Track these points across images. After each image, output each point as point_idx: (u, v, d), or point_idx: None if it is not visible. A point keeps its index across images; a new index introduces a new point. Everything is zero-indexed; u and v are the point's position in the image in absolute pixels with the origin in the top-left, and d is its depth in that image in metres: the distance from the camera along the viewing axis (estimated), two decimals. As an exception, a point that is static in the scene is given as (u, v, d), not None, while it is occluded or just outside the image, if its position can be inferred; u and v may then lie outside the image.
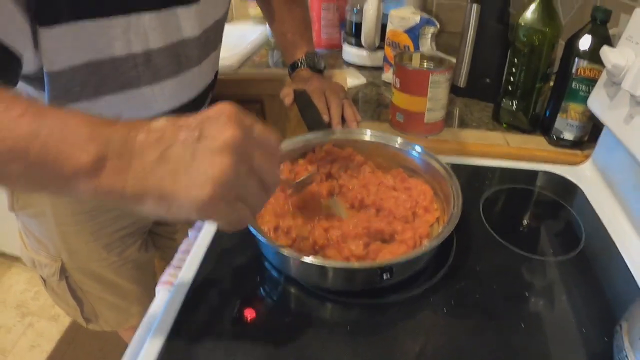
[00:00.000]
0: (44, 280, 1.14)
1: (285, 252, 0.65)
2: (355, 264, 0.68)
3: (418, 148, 0.84)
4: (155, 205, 0.47)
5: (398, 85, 1.03)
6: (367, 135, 0.88)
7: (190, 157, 0.46)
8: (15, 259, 2.38)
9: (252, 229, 0.67)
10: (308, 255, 0.65)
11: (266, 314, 0.66)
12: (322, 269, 0.66)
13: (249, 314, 0.64)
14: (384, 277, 0.65)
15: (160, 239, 1.26)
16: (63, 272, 1.07)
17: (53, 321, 2.11)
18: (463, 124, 1.14)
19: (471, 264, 0.74)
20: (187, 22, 0.84)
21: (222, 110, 0.49)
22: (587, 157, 1.01)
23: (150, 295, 1.23)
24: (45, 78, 0.72)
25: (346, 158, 0.87)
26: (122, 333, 1.37)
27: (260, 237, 0.66)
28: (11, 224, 2.01)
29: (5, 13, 0.60)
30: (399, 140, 0.86)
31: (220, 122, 0.47)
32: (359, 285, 0.69)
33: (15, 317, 2.13)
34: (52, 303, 2.10)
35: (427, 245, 0.67)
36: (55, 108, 0.48)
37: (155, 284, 1.26)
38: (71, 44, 0.70)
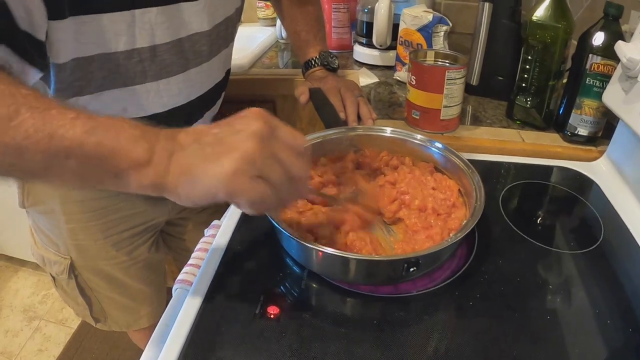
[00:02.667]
0: (54, 278, 1.13)
1: (309, 244, 0.65)
2: (380, 257, 0.68)
3: (438, 144, 0.84)
4: (186, 188, 0.53)
5: (414, 83, 1.03)
6: (387, 131, 0.88)
7: (219, 143, 0.52)
8: (22, 262, 2.38)
9: (273, 221, 0.67)
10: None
11: (289, 310, 0.65)
12: (345, 261, 0.66)
13: (272, 310, 0.64)
14: (410, 270, 0.65)
15: (171, 240, 1.26)
16: (72, 270, 1.07)
17: (60, 325, 2.11)
18: (477, 122, 1.14)
19: (494, 258, 0.74)
20: (195, 17, 0.84)
21: (252, 111, 0.55)
22: (601, 152, 1.01)
23: (160, 297, 1.24)
24: (52, 70, 0.72)
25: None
26: (131, 334, 1.36)
27: (282, 229, 0.66)
28: (18, 228, 2.04)
29: (31, 2, 0.61)
30: (419, 136, 0.86)
31: (249, 117, 0.54)
32: (383, 279, 0.69)
33: (22, 321, 2.13)
34: (60, 307, 2.13)
35: (452, 237, 0.67)
36: (102, 115, 0.53)
37: (165, 286, 1.26)
38: (76, 37, 0.70)
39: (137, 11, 0.74)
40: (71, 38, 0.70)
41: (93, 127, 0.51)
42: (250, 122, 0.53)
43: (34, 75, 0.66)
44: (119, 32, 0.74)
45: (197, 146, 0.53)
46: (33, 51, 0.64)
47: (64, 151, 0.51)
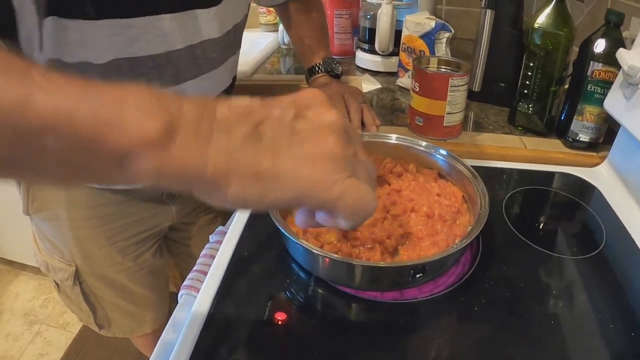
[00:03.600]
0: (57, 285, 1.13)
1: (315, 250, 0.66)
2: (386, 263, 0.69)
3: (443, 151, 0.85)
4: (244, 187, 0.38)
5: (417, 89, 1.04)
6: (392, 138, 0.89)
7: (290, 134, 0.39)
8: (23, 266, 2.38)
9: (279, 227, 0.68)
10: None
11: (296, 316, 0.66)
12: (351, 268, 0.67)
13: (280, 316, 0.64)
14: (417, 276, 0.65)
15: (175, 245, 1.27)
16: (77, 277, 1.07)
17: (61, 329, 2.11)
18: (479, 128, 1.15)
19: (498, 263, 0.75)
20: (207, 24, 0.85)
21: (315, 95, 0.43)
22: (602, 158, 1.02)
23: (163, 302, 1.24)
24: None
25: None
26: (134, 340, 1.36)
27: (288, 235, 0.67)
28: (19, 232, 2.04)
29: None
30: (424, 143, 0.87)
31: (318, 104, 0.42)
32: (389, 285, 0.70)
33: (23, 325, 2.13)
34: (61, 311, 2.13)
35: (457, 243, 0.68)
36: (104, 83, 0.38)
37: (169, 291, 1.26)
38: (93, 42, 0.70)
39: (152, 17, 0.75)
40: (87, 40, 0.70)
41: (86, 92, 0.35)
42: (322, 110, 0.42)
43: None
44: (134, 37, 0.75)
45: (252, 131, 0.38)
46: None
47: (41, 126, 0.33)
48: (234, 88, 1.08)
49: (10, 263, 2.40)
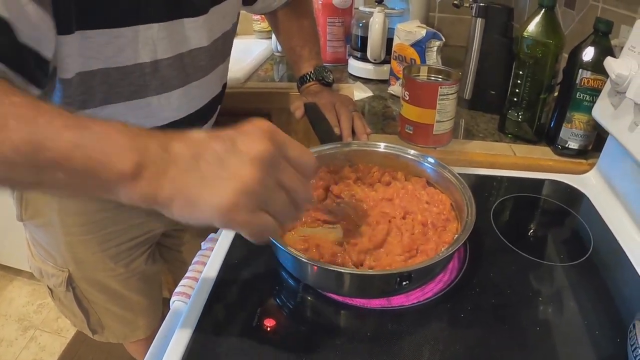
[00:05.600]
0: (51, 291, 1.14)
1: (303, 258, 0.67)
2: (373, 271, 0.69)
3: (431, 159, 0.86)
4: (181, 209, 0.49)
5: (407, 98, 1.05)
6: (381, 147, 0.90)
7: (219, 165, 0.48)
8: (17, 272, 2.38)
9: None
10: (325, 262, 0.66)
11: (285, 324, 0.66)
12: (339, 276, 0.67)
13: (269, 322, 0.65)
14: (403, 283, 0.66)
15: (167, 252, 1.27)
16: (70, 283, 1.07)
17: (55, 335, 2.10)
18: (469, 136, 1.16)
19: (485, 270, 0.75)
20: (195, 33, 0.86)
21: (258, 126, 0.50)
22: (591, 165, 1.03)
23: (156, 308, 1.24)
24: (58, 85, 0.73)
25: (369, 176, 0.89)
26: (127, 346, 1.36)
27: (278, 243, 0.67)
28: (13, 237, 2.04)
29: (35, 17, 0.61)
30: (412, 151, 0.88)
31: (254, 136, 0.49)
32: (376, 293, 0.70)
33: (17, 331, 2.13)
34: (55, 317, 2.13)
35: (443, 251, 0.68)
36: (95, 119, 0.50)
37: (162, 297, 1.26)
38: (80, 52, 0.71)
39: (141, 27, 0.76)
40: (76, 53, 0.70)
41: (80, 138, 0.48)
42: (254, 141, 0.48)
43: (32, 92, 0.65)
44: (122, 47, 0.75)
45: (194, 164, 0.48)
46: (36, 68, 0.64)
47: (52, 164, 0.48)
48: (225, 95, 1.09)
49: (4, 268, 2.40)
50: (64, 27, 0.66)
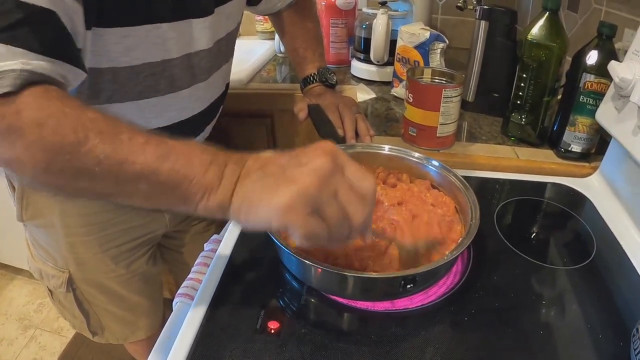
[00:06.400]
0: (51, 292, 1.13)
1: (307, 261, 0.66)
2: (377, 274, 0.69)
3: (435, 162, 0.86)
4: (246, 213, 0.53)
5: (411, 100, 1.05)
6: (385, 149, 0.90)
7: (281, 174, 0.52)
8: (18, 271, 2.38)
9: (273, 238, 0.68)
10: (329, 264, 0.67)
11: (289, 326, 0.66)
12: (343, 278, 0.67)
13: (273, 325, 0.65)
14: (407, 286, 0.66)
15: (168, 253, 1.27)
16: (70, 284, 1.07)
17: (56, 334, 2.10)
18: (472, 138, 1.16)
19: (488, 273, 0.75)
20: (201, 33, 0.86)
21: (322, 146, 0.55)
22: (594, 169, 1.03)
23: (157, 309, 1.24)
24: None
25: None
26: (127, 346, 1.36)
27: (282, 245, 0.68)
28: (14, 236, 2.04)
29: (72, 9, 0.62)
30: (416, 154, 0.88)
31: (317, 152, 0.53)
32: (380, 295, 0.70)
33: (17, 330, 2.13)
34: (55, 316, 2.13)
35: (448, 255, 0.68)
36: (171, 138, 0.55)
37: (162, 298, 1.26)
38: (91, 48, 0.71)
39: (150, 26, 0.76)
40: (88, 49, 0.70)
41: (165, 153, 0.53)
42: (316, 156, 0.53)
43: (82, 79, 0.66)
44: (132, 46, 0.76)
45: (261, 174, 0.53)
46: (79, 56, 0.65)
47: (135, 177, 0.52)
48: (228, 96, 1.09)
49: (5, 267, 2.39)
50: (86, 22, 0.66)
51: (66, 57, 0.60)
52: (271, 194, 0.51)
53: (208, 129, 1.03)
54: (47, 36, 0.58)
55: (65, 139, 0.51)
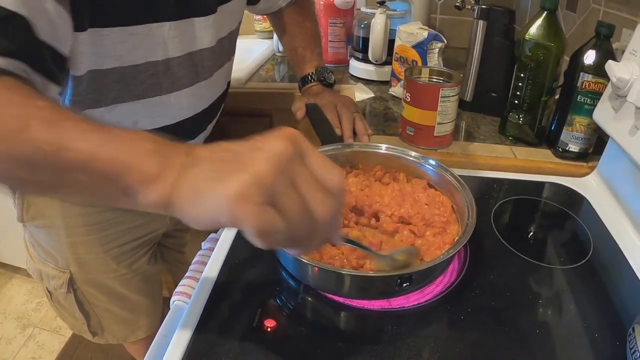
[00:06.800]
0: (50, 293, 1.13)
1: (304, 259, 0.67)
2: (373, 272, 0.70)
3: (432, 161, 0.86)
4: (190, 206, 0.45)
5: (408, 99, 1.05)
6: (382, 148, 0.90)
7: (233, 161, 0.45)
8: (16, 269, 2.38)
9: None
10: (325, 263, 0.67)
11: (285, 324, 0.66)
12: (340, 277, 0.68)
13: (269, 323, 0.65)
14: (403, 285, 0.66)
15: (168, 252, 1.27)
16: (71, 284, 1.07)
17: (54, 333, 2.10)
18: (470, 138, 1.16)
19: (485, 273, 0.76)
20: (203, 32, 0.86)
21: (282, 130, 0.47)
22: (591, 168, 1.03)
23: (157, 308, 1.24)
24: (69, 82, 0.73)
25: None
26: (127, 346, 1.36)
27: None
28: (13, 235, 2.04)
29: (54, 14, 0.61)
30: (413, 153, 0.88)
31: (275, 136, 0.46)
32: (376, 294, 0.70)
33: (16, 329, 2.13)
34: (54, 315, 2.13)
35: (444, 253, 0.69)
36: (120, 128, 0.49)
37: (162, 297, 1.26)
38: (93, 50, 0.71)
39: (153, 25, 0.76)
40: (89, 50, 0.71)
41: (107, 140, 0.47)
42: (274, 141, 0.46)
43: (53, 90, 0.64)
44: (136, 45, 0.76)
45: (209, 162, 0.46)
46: (53, 65, 0.63)
47: (74, 165, 0.46)
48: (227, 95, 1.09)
49: (3, 266, 2.40)
50: (77, 25, 0.66)
51: (32, 63, 0.59)
52: (218, 182, 0.43)
53: (210, 127, 1.03)
54: (14, 39, 0.56)
55: (6, 125, 0.47)
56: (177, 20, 0.80)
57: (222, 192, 0.43)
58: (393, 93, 1.37)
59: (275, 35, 1.72)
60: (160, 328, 0.71)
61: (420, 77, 1.09)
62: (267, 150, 0.45)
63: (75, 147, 0.46)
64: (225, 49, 0.97)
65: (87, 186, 0.48)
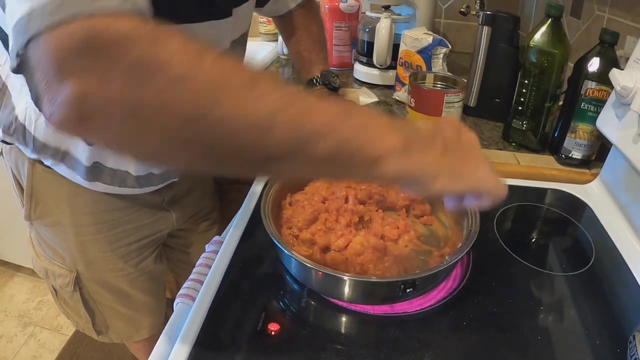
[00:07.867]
0: (55, 291, 1.12)
1: (308, 263, 0.67)
2: (377, 278, 0.70)
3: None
4: (443, 183, 0.55)
5: (413, 105, 1.06)
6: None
7: (461, 149, 0.58)
8: (18, 268, 2.38)
9: (274, 240, 0.69)
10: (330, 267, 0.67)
11: (289, 328, 0.67)
12: (344, 282, 0.68)
13: (273, 327, 0.66)
14: (407, 290, 0.67)
15: (173, 252, 1.27)
16: (77, 283, 1.07)
17: (55, 332, 2.10)
18: (473, 143, 1.16)
19: (487, 279, 0.76)
20: (222, 35, 0.87)
21: (456, 121, 0.62)
22: (594, 175, 1.04)
23: (161, 308, 1.24)
24: None
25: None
26: (129, 345, 1.36)
27: (282, 247, 0.68)
28: (14, 234, 2.04)
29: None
30: None
31: (464, 128, 0.60)
32: (379, 299, 0.71)
33: (17, 327, 2.13)
34: (55, 314, 2.13)
35: (447, 259, 0.69)
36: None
37: (165, 298, 1.26)
38: None
39: (180, 27, 0.76)
40: None
41: (344, 114, 0.49)
42: (468, 134, 0.60)
43: None
44: None
45: (446, 152, 0.56)
46: None
47: (319, 133, 0.47)
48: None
49: (5, 264, 2.40)
50: None
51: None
52: (471, 167, 0.58)
53: None
54: None
55: (261, 111, 0.46)
56: (197, 23, 0.80)
57: (479, 173, 0.58)
58: (397, 97, 1.38)
59: (280, 38, 1.72)
60: (164, 330, 0.71)
61: (424, 83, 1.09)
62: (474, 141, 0.60)
63: (321, 115, 0.48)
64: (238, 50, 0.97)
65: (326, 156, 0.48)
